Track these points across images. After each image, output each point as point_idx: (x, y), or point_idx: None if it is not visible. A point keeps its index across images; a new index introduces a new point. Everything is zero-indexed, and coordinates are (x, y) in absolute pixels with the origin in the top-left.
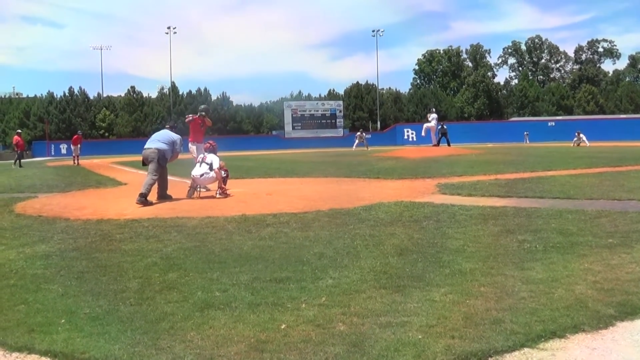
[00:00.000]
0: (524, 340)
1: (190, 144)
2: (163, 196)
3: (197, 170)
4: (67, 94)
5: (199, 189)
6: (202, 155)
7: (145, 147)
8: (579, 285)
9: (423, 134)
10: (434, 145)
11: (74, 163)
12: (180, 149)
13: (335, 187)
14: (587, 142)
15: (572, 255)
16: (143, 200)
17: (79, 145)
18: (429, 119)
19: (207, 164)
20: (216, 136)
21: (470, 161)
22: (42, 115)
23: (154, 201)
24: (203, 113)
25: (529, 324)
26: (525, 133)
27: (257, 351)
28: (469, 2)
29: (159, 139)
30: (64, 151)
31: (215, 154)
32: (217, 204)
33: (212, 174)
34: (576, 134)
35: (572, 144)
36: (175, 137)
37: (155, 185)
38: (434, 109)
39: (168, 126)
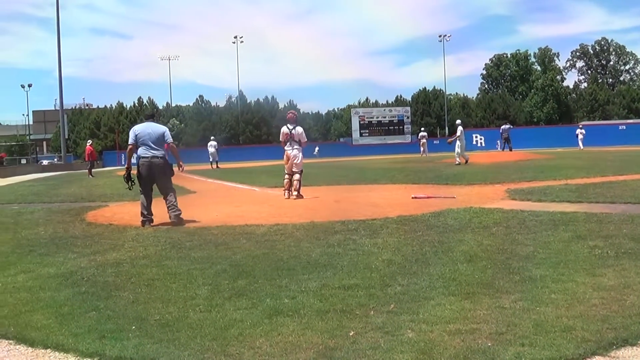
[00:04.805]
0: (595, 348)
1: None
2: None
3: (288, 147)
4: (136, 104)
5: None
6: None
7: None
8: None
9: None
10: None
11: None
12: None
13: (404, 194)
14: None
15: None
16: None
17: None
18: (458, 133)
19: (296, 141)
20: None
21: (540, 166)
22: (113, 126)
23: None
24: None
25: (600, 332)
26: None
27: (326, 358)
28: (535, 4)
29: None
30: (133, 160)
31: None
32: (286, 212)
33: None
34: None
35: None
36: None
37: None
38: (458, 121)
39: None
